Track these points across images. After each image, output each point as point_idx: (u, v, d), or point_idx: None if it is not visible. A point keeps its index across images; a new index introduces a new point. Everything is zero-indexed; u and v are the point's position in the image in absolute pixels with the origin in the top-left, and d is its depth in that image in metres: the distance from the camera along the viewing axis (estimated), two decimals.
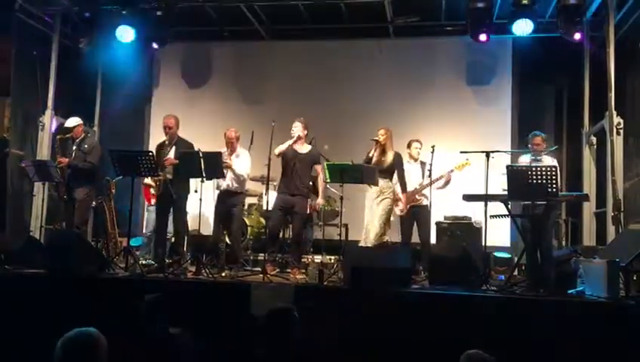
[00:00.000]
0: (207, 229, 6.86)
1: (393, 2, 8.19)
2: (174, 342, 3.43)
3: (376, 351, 4.61)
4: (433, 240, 7.02)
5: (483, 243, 5.73)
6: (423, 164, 6.91)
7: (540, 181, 5.14)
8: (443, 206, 7.25)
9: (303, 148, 6.54)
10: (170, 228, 6.71)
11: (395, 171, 6.57)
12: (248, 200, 8.06)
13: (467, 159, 6.69)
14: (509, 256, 7.54)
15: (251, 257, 7.56)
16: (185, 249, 6.89)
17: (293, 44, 9.43)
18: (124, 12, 8.15)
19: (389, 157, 6.52)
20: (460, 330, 4.45)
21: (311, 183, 7.71)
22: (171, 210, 6.55)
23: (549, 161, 6.00)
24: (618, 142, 7.21)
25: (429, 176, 6.60)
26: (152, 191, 7.43)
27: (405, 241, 6.75)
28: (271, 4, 8.49)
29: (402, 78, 9.04)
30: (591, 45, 8.10)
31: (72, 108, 8.46)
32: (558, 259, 6.04)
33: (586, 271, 5.27)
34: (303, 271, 6.11)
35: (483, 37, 7.71)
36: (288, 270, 6.45)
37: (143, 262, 6.53)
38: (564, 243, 8.00)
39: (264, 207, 7.27)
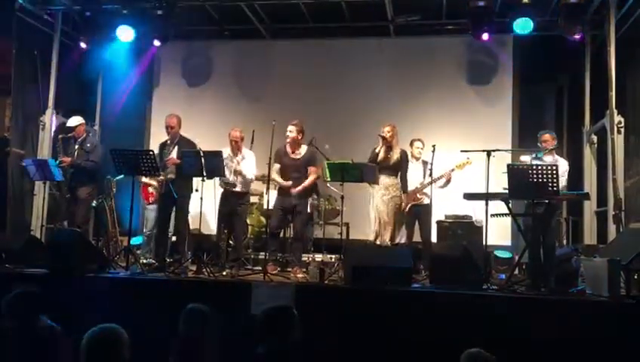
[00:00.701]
0: (208, 228, 6.86)
1: (394, 1, 8.17)
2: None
3: (376, 350, 4.62)
4: (434, 239, 7.01)
5: (484, 242, 5.73)
6: (424, 163, 6.90)
7: (540, 180, 5.15)
8: (444, 205, 7.24)
9: (298, 153, 6.52)
10: (171, 227, 6.71)
11: (400, 170, 6.57)
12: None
13: (468, 158, 6.68)
14: (510, 254, 7.54)
15: (252, 256, 7.56)
16: (186, 248, 6.89)
17: (293, 42, 9.42)
18: (124, 11, 8.16)
19: (396, 154, 6.53)
20: (460, 329, 4.45)
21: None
22: (173, 209, 6.55)
23: (561, 161, 5.95)
24: (619, 140, 7.21)
25: (430, 175, 6.60)
26: (150, 189, 7.46)
27: (407, 240, 6.75)
28: (271, 2, 8.47)
29: (403, 77, 9.03)
30: (591, 44, 8.10)
31: (73, 107, 8.47)
32: (559, 257, 6.04)
33: (586, 269, 5.28)
34: (304, 270, 6.12)
35: (484, 36, 7.71)
36: (289, 269, 6.45)
37: (144, 261, 6.54)
38: (565, 242, 7.99)
39: (264, 206, 7.27)
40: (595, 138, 8.19)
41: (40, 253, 5.96)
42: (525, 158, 6.18)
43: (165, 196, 6.51)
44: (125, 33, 8.20)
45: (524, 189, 5.27)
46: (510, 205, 5.66)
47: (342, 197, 6.44)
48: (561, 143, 8.52)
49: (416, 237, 6.82)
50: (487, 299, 4.88)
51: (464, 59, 8.94)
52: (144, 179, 7.25)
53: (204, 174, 6.03)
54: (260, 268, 6.22)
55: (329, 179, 6.33)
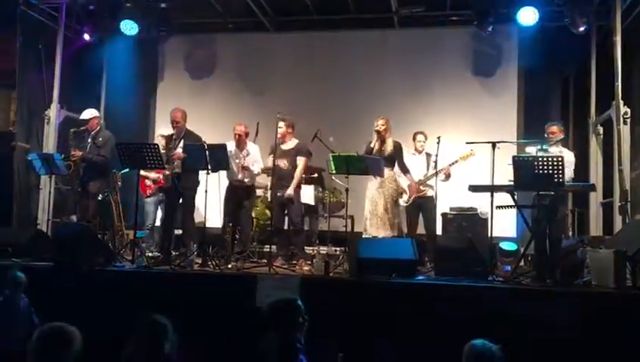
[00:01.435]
0: (213, 221, 6.86)
1: None
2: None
3: (381, 342, 4.63)
4: (439, 231, 7.01)
5: (489, 234, 5.71)
6: (428, 155, 6.90)
7: (546, 171, 5.12)
8: (449, 197, 7.23)
9: (288, 144, 6.61)
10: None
11: (396, 159, 6.57)
12: None
13: (471, 150, 6.66)
14: (515, 246, 7.51)
15: (257, 249, 7.57)
16: (191, 241, 6.89)
17: (297, 35, 9.40)
18: (128, 4, 8.15)
19: (389, 145, 6.52)
20: (465, 321, 4.44)
21: (316, 174, 7.73)
22: (179, 203, 6.55)
23: (566, 153, 5.92)
24: (625, 131, 7.17)
25: (435, 167, 6.59)
26: (147, 182, 7.48)
27: (411, 232, 6.75)
28: None
29: (407, 69, 9.00)
30: (597, 34, 8.04)
31: (78, 101, 8.48)
32: (565, 249, 6.02)
33: (592, 261, 5.27)
34: (309, 262, 6.13)
35: (489, 27, 7.67)
36: (294, 261, 6.47)
37: (149, 254, 6.56)
38: (570, 233, 7.97)
39: (269, 199, 7.28)
40: (600, 129, 8.14)
41: (46, 247, 5.99)
42: (531, 150, 6.15)
43: (171, 190, 6.51)
44: (129, 27, 8.19)
45: (530, 181, 5.25)
46: (516, 197, 5.64)
47: (347, 190, 6.43)
48: (567, 134, 8.47)
49: (421, 229, 6.82)
50: (492, 291, 4.88)
51: (469, 50, 8.90)
52: (142, 172, 7.24)
53: (209, 168, 6.04)
54: (266, 261, 6.23)
55: (334, 172, 6.33)
